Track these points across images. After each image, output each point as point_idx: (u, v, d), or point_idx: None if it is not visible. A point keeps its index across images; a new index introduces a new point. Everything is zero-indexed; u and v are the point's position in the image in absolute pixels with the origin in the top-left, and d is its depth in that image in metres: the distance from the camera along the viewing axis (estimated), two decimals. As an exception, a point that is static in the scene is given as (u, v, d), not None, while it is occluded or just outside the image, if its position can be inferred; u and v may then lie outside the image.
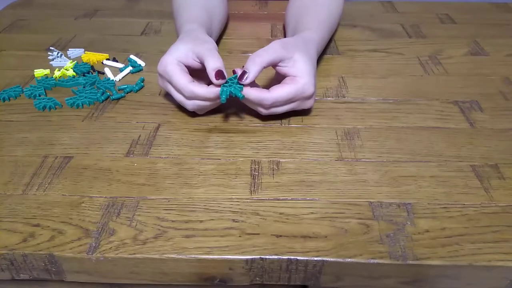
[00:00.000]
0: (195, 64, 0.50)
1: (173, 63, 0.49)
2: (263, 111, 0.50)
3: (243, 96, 0.47)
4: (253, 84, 0.49)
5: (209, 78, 0.48)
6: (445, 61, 0.65)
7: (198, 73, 0.52)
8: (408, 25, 0.77)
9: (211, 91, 0.48)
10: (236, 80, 0.48)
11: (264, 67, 0.48)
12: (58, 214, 0.40)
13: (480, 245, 0.37)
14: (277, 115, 0.51)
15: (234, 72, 0.49)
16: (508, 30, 0.75)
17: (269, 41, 0.71)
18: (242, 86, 0.48)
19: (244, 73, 0.47)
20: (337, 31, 0.74)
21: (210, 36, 0.58)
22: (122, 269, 0.37)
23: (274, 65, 0.49)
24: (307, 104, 0.51)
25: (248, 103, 0.50)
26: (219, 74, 0.47)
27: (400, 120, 0.52)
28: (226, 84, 0.47)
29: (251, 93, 0.47)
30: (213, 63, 0.47)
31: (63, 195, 0.42)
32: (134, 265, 0.37)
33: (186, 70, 0.50)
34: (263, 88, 0.50)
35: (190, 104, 0.50)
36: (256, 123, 0.52)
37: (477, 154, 0.47)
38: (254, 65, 0.47)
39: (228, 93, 0.47)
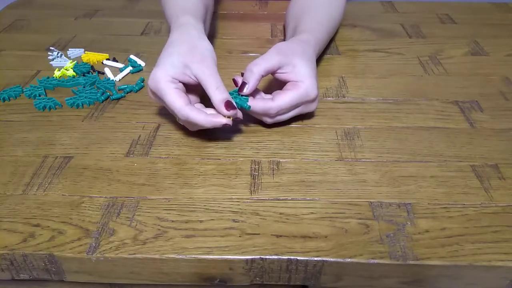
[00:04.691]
0: (191, 81, 0.46)
1: (167, 81, 0.44)
2: (268, 120, 0.49)
3: (250, 106, 0.46)
4: (255, 92, 0.49)
5: (203, 91, 0.45)
6: (445, 61, 0.65)
7: (191, 87, 0.48)
8: (408, 25, 0.77)
9: (209, 120, 0.44)
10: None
11: (263, 76, 0.47)
12: (58, 214, 0.40)
13: (480, 245, 0.37)
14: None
15: (234, 81, 0.48)
16: (508, 30, 0.75)
17: (269, 41, 0.72)
18: (247, 97, 0.47)
19: (243, 84, 0.47)
20: (337, 31, 0.74)
21: (204, 30, 0.53)
22: (122, 269, 0.37)
23: (272, 72, 0.49)
24: (311, 107, 0.50)
25: (253, 114, 0.49)
26: (229, 105, 0.44)
27: (400, 120, 0.52)
28: (231, 95, 0.46)
29: (256, 105, 0.47)
30: (219, 95, 0.43)
31: (63, 195, 0.42)
32: (134, 265, 0.37)
33: (181, 87, 0.46)
34: (264, 93, 0.50)
35: (182, 123, 0.47)
36: (256, 123, 0.52)
37: (477, 154, 0.47)
38: (252, 75, 0.46)
39: None
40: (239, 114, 0.46)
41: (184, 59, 0.45)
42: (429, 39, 0.72)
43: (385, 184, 0.43)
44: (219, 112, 0.45)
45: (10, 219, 0.40)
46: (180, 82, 0.46)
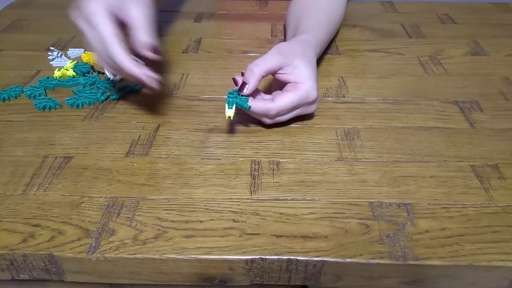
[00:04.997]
0: (121, 21, 0.42)
1: (103, 12, 0.40)
2: (267, 121, 0.49)
3: (250, 107, 0.46)
4: (256, 92, 0.49)
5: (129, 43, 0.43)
6: (445, 61, 0.65)
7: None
8: (408, 25, 0.77)
9: (135, 69, 0.41)
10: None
11: (263, 76, 0.47)
12: (58, 214, 0.40)
13: (480, 245, 0.37)
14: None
15: (234, 80, 0.48)
16: (508, 30, 0.75)
17: (269, 41, 0.72)
18: (247, 96, 0.47)
19: (244, 84, 0.46)
20: (337, 32, 0.73)
21: None
22: (122, 269, 0.37)
23: (273, 73, 0.49)
24: (310, 109, 0.50)
25: (253, 114, 0.49)
26: (153, 49, 0.41)
27: (400, 120, 0.52)
28: (231, 95, 0.46)
29: (256, 105, 0.46)
30: (146, 37, 0.41)
31: (63, 195, 0.42)
32: (134, 265, 0.37)
33: (117, 24, 0.42)
34: (264, 93, 0.50)
35: (103, 63, 0.43)
36: (256, 123, 0.52)
37: (477, 154, 0.47)
38: (253, 76, 0.46)
39: (233, 104, 0.46)
40: (151, 82, 0.44)
41: None
42: (429, 39, 0.72)
43: (385, 184, 0.43)
44: (141, 54, 0.42)
45: (10, 219, 0.40)
46: (115, 18, 0.42)
